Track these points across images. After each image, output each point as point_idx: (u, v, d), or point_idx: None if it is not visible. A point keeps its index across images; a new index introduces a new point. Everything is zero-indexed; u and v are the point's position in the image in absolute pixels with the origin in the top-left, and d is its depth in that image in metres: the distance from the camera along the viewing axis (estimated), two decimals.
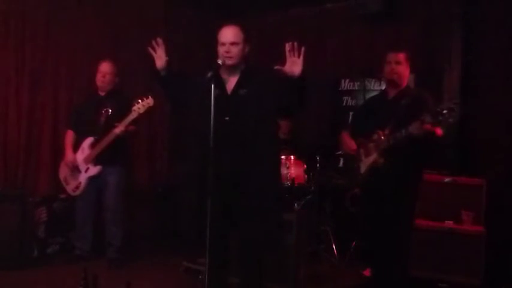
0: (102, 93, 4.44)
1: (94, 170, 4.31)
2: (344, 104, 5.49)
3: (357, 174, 3.34)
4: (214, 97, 2.67)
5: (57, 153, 4.75)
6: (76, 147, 4.39)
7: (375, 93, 5.08)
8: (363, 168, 3.31)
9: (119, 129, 4.16)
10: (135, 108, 4.11)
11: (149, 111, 4.19)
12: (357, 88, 5.39)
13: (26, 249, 4.24)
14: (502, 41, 4.48)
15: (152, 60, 2.97)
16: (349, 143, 3.47)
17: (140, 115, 4.16)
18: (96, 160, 4.29)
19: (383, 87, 5.00)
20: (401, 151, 3.18)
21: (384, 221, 3.34)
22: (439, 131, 3.10)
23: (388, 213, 3.29)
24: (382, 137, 3.22)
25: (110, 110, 4.32)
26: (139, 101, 4.11)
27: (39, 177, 4.75)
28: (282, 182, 4.11)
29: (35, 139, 4.74)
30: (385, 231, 3.36)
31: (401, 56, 3.38)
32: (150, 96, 4.11)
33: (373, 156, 3.26)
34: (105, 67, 4.39)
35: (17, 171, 4.63)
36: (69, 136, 4.44)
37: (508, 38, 4.44)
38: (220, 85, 2.92)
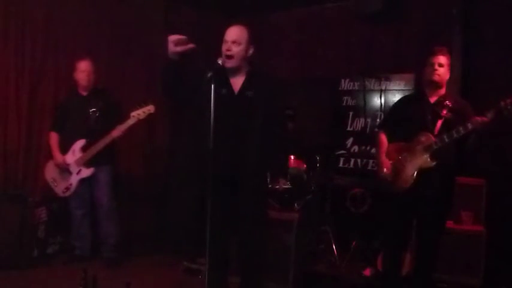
0: (84, 93, 4.37)
1: (87, 171, 4.29)
2: (344, 104, 5.47)
3: (405, 177, 3.28)
4: (220, 96, 2.67)
5: None
6: (62, 148, 4.34)
7: (375, 93, 5.10)
8: (411, 170, 3.26)
9: (116, 133, 4.15)
10: (134, 114, 4.11)
11: (149, 117, 4.18)
12: (357, 88, 5.37)
13: (26, 249, 4.24)
14: (502, 40, 4.48)
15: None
16: (386, 163, 3.39)
17: (139, 121, 4.16)
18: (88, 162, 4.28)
19: (383, 87, 5.04)
20: (450, 152, 3.20)
21: (421, 221, 3.35)
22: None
23: (429, 214, 3.28)
24: (433, 138, 3.19)
25: (98, 112, 4.28)
26: (138, 107, 4.10)
27: (39, 177, 4.72)
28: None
29: (35, 139, 4.73)
30: (419, 232, 3.38)
31: (445, 59, 3.33)
32: (150, 103, 4.10)
33: (423, 158, 3.21)
34: (86, 65, 4.31)
35: (17, 171, 4.63)
36: (54, 138, 4.37)
37: (508, 38, 4.43)
38: (227, 85, 2.93)
